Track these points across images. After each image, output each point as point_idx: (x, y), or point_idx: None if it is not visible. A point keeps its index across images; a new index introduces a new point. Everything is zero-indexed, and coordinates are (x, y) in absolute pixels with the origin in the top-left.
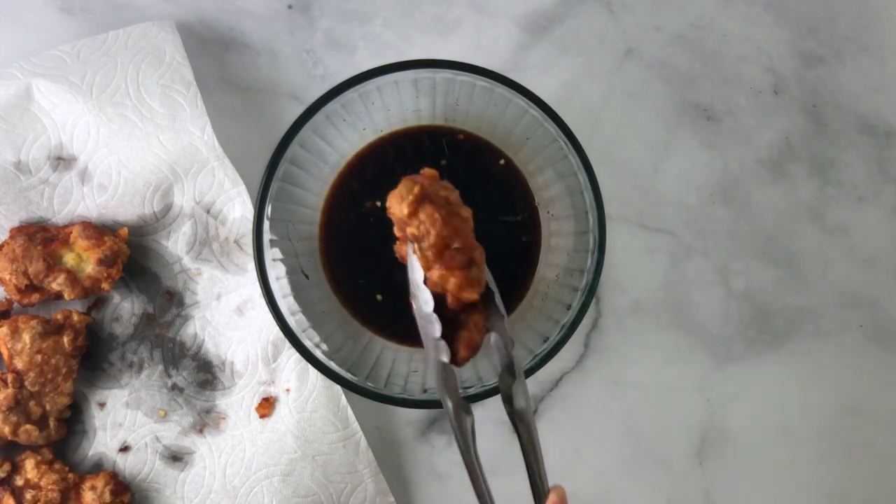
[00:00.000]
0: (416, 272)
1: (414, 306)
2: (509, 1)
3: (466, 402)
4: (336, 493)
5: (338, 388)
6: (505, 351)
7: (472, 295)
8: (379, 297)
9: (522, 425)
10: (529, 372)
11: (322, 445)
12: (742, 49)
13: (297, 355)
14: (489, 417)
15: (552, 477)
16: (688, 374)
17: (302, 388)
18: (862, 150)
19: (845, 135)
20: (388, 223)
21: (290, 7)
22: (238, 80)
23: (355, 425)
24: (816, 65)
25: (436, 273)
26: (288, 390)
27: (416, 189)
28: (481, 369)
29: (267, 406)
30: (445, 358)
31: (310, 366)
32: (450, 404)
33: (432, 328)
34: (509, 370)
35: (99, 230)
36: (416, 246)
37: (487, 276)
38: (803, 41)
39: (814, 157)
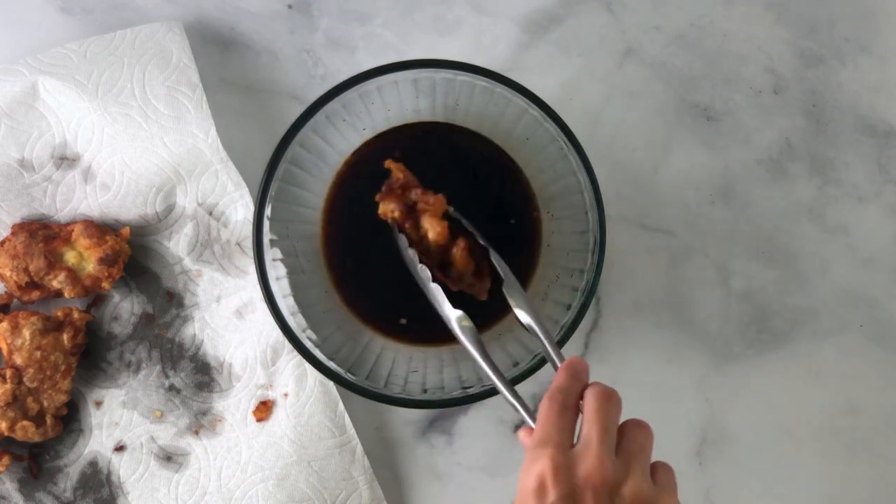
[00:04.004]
0: (398, 236)
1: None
2: (509, 1)
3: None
4: (331, 498)
5: (335, 393)
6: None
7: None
8: (402, 319)
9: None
10: (530, 372)
11: (318, 451)
12: (742, 49)
13: (295, 359)
14: (489, 417)
15: None
16: (688, 373)
17: (300, 393)
18: (862, 150)
19: (845, 135)
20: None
21: (290, 7)
22: (238, 80)
23: (352, 432)
24: (816, 65)
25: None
26: (286, 395)
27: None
28: (513, 351)
29: (264, 410)
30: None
31: (308, 371)
32: (448, 308)
33: (414, 258)
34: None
35: (101, 229)
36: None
37: (466, 224)
38: (803, 41)
39: (814, 157)
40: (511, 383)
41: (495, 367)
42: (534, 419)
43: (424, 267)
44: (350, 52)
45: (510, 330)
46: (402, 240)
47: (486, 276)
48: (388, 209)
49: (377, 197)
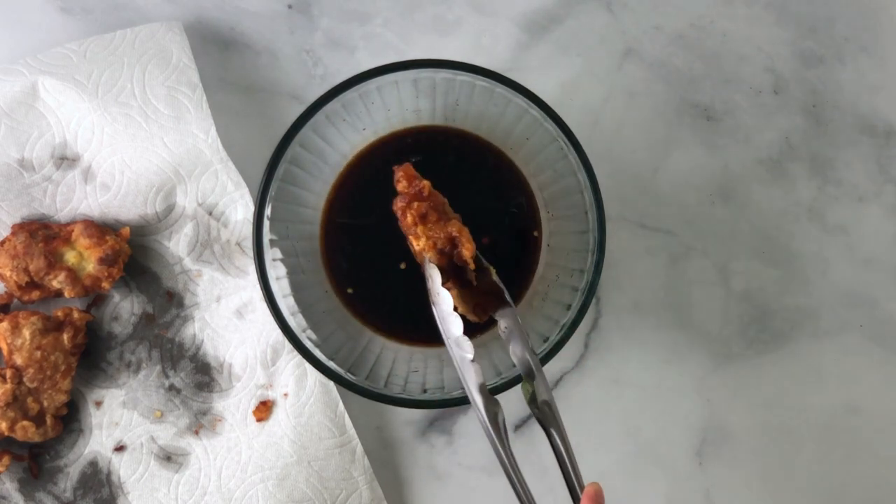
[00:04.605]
0: (436, 279)
1: (435, 311)
2: (509, 1)
3: (492, 395)
4: (331, 498)
5: (335, 393)
6: (521, 351)
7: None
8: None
9: (550, 421)
10: (511, 384)
11: (318, 451)
12: (742, 49)
13: (295, 359)
14: None
15: (554, 478)
16: (688, 373)
17: (300, 393)
18: (862, 150)
19: (845, 135)
20: (389, 223)
21: (290, 7)
22: (238, 80)
23: (352, 432)
24: (816, 65)
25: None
26: (286, 395)
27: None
28: (497, 362)
29: (264, 410)
30: (469, 355)
31: (308, 371)
32: (479, 400)
33: (454, 326)
34: (528, 372)
35: (101, 229)
36: (419, 232)
37: (495, 276)
38: (803, 41)
39: (814, 157)
40: (519, 472)
41: (509, 451)
42: None
43: (457, 317)
44: (350, 52)
45: (530, 307)
46: (437, 277)
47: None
48: (427, 247)
49: (394, 207)
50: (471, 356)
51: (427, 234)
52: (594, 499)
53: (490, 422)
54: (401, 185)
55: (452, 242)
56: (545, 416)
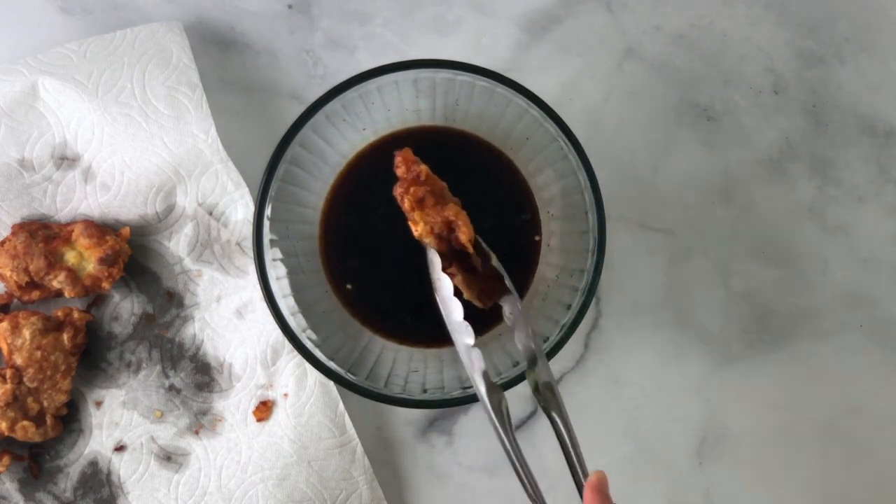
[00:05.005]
0: (436, 264)
1: (436, 296)
2: (509, 1)
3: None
4: (331, 498)
5: (335, 393)
6: (524, 335)
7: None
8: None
9: (552, 405)
10: (519, 379)
11: (318, 451)
12: (742, 49)
13: (295, 359)
14: None
15: (554, 478)
16: (688, 374)
17: (300, 393)
18: (862, 150)
19: (845, 135)
20: (389, 223)
21: (290, 7)
22: (238, 80)
23: (352, 432)
24: (816, 65)
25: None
26: (286, 395)
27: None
28: (497, 362)
29: (264, 410)
30: (470, 340)
31: (308, 371)
32: (482, 386)
33: (454, 312)
34: (532, 359)
35: (101, 229)
36: (417, 216)
37: (495, 261)
38: (803, 41)
39: (814, 157)
40: (524, 461)
41: (513, 438)
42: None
43: (458, 302)
44: (350, 52)
45: (530, 307)
46: (437, 262)
47: (495, 288)
48: (424, 232)
49: (394, 192)
50: (471, 341)
51: (424, 218)
52: (598, 488)
53: (493, 408)
54: (400, 170)
55: (450, 227)
56: (547, 400)
